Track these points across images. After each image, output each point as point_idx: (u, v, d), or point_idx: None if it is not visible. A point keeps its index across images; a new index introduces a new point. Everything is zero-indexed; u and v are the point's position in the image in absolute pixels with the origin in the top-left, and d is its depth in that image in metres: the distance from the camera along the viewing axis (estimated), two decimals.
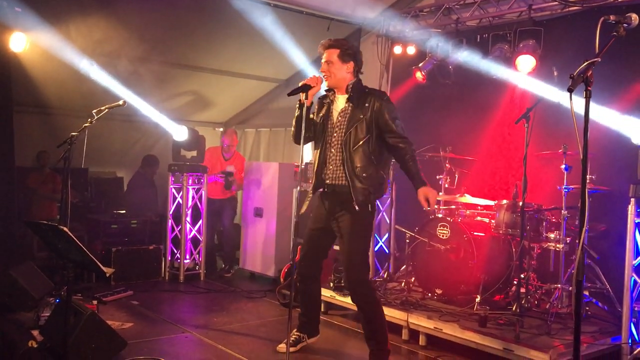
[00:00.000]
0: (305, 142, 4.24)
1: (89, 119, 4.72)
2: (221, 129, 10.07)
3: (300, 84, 4.04)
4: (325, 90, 4.27)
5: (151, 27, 6.72)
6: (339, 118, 4.13)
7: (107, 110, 4.83)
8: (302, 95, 4.01)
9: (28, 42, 6.08)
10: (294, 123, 4.14)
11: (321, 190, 4.27)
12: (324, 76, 4.13)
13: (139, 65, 7.40)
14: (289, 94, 4.07)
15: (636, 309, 4.42)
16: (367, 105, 4.03)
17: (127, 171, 9.18)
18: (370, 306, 4.13)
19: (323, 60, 4.13)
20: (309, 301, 4.54)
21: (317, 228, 4.29)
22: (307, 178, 7.15)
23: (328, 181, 4.15)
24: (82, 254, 3.17)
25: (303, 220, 4.49)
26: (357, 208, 4.00)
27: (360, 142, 4.01)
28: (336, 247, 4.91)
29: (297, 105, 4.07)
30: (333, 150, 4.12)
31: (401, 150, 4.04)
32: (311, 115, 4.26)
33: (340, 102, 4.17)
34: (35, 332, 4.39)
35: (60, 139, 4.82)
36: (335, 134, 4.14)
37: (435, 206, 5.91)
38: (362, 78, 4.29)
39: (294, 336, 4.50)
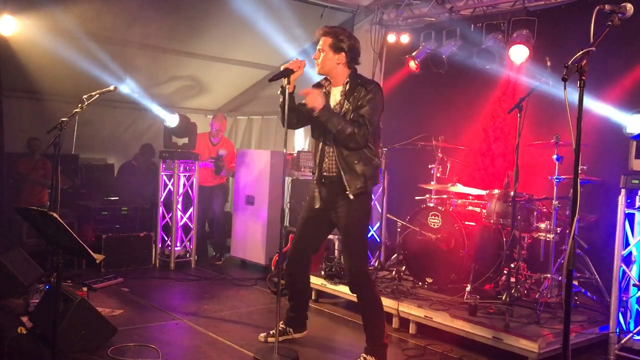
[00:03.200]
0: (294, 127, 4.20)
1: (80, 105, 4.68)
2: None
3: (281, 68, 3.93)
4: (322, 80, 4.19)
5: (142, 11, 6.65)
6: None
7: (97, 95, 4.79)
8: (284, 81, 3.91)
9: (17, 25, 6.00)
10: (280, 109, 4.06)
11: (319, 180, 4.19)
12: (317, 64, 4.06)
13: (130, 49, 7.33)
14: (270, 80, 3.99)
15: (624, 298, 4.46)
16: (355, 94, 3.96)
17: (117, 158, 9.13)
18: (369, 297, 4.10)
19: (318, 46, 4.05)
20: (297, 293, 4.51)
21: (310, 216, 4.24)
22: (298, 167, 7.16)
23: (325, 173, 4.09)
24: (72, 240, 3.15)
25: (295, 208, 4.48)
26: (351, 197, 3.95)
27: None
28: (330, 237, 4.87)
29: (279, 92, 3.98)
30: (329, 142, 4.05)
31: (354, 120, 3.87)
32: (303, 101, 4.17)
33: (335, 94, 4.10)
34: (25, 319, 4.37)
35: (50, 124, 4.77)
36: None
37: (427, 195, 5.95)
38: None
39: (279, 327, 4.45)
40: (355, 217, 4.02)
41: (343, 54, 4.00)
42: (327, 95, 4.12)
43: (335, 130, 3.84)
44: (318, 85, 4.19)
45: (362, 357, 4.04)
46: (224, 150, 7.58)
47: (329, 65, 4.01)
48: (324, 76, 4.15)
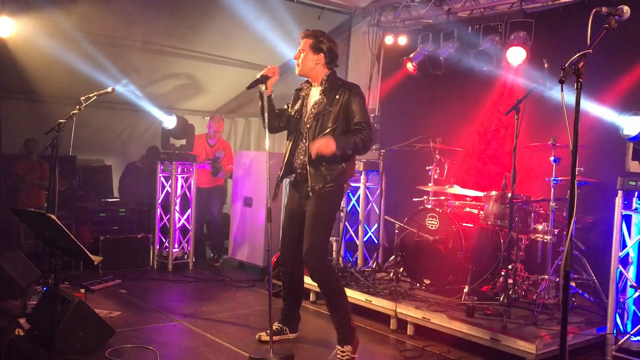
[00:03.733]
0: (276, 131, 4.39)
1: (77, 106, 4.67)
2: None
3: (258, 76, 4.16)
4: (302, 83, 4.39)
5: (140, 12, 6.65)
6: (312, 110, 4.24)
7: (95, 97, 4.78)
8: (262, 87, 4.14)
9: (15, 26, 6.00)
10: (260, 113, 4.25)
11: (292, 179, 4.41)
12: (297, 65, 4.25)
13: (128, 50, 7.33)
14: (248, 87, 4.21)
15: (621, 300, 4.47)
16: (337, 97, 4.14)
17: (115, 159, 9.12)
18: (329, 284, 4.19)
19: (298, 48, 4.26)
20: (289, 293, 4.58)
21: (291, 217, 4.40)
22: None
23: (298, 170, 4.28)
24: (69, 242, 3.15)
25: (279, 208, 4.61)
26: (310, 194, 4.12)
27: (325, 132, 4.11)
28: None
29: (258, 96, 4.20)
30: (304, 141, 4.23)
31: (356, 130, 4.08)
32: (285, 106, 4.43)
33: (314, 93, 4.29)
34: (22, 321, 4.37)
35: (48, 126, 4.75)
36: (307, 126, 4.23)
37: (425, 197, 5.96)
38: (353, 68, 4.33)
39: (275, 327, 4.54)
40: (320, 207, 4.15)
41: (322, 54, 4.22)
42: (306, 97, 4.32)
43: (351, 150, 4.08)
44: (298, 90, 4.42)
45: (337, 349, 4.12)
46: (222, 152, 7.58)
47: (309, 65, 4.23)
48: (305, 79, 4.36)
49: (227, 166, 7.64)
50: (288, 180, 4.62)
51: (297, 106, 4.35)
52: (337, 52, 4.29)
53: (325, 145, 3.97)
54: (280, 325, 4.57)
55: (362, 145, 4.05)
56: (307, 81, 4.35)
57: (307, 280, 5.63)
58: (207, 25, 7.25)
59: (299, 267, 4.50)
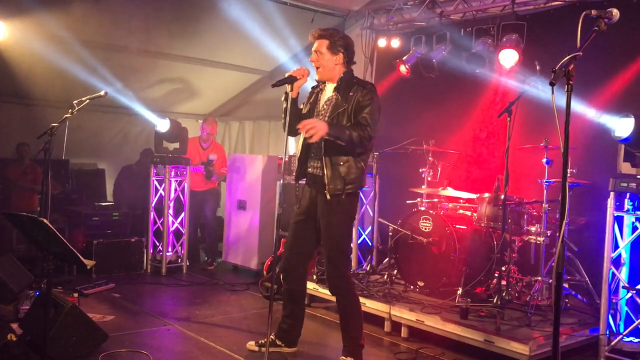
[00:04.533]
0: (296, 134, 4.12)
1: (70, 110, 4.65)
2: None
3: (286, 75, 3.97)
4: (316, 81, 4.21)
5: (133, 15, 6.64)
6: (324, 106, 4.07)
7: (88, 101, 4.76)
8: (288, 87, 3.95)
9: (7, 30, 5.98)
10: (282, 114, 4.08)
11: (305, 180, 4.20)
12: (315, 67, 4.06)
13: (121, 54, 7.32)
14: (274, 85, 3.99)
15: (614, 301, 4.49)
16: (351, 94, 3.96)
17: (108, 163, 9.10)
18: (347, 300, 4.09)
19: (313, 49, 4.05)
20: (291, 302, 4.30)
21: (300, 220, 4.20)
22: (290, 171, 7.15)
23: (310, 170, 4.10)
24: (62, 246, 3.14)
25: (286, 213, 4.45)
26: (328, 197, 3.93)
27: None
28: None
29: (283, 98, 4.01)
30: (317, 142, 4.00)
31: (357, 124, 3.89)
32: (301, 106, 4.22)
33: (328, 90, 4.12)
34: (15, 325, 4.35)
35: (40, 130, 4.74)
36: None
37: (418, 199, 5.97)
38: None
39: (269, 338, 4.33)
40: (335, 219, 3.99)
41: (341, 54, 4.03)
42: (320, 93, 4.16)
43: (345, 142, 3.85)
44: (315, 87, 4.24)
45: (341, 359, 4.07)
46: (215, 155, 7.57)
47: (329, 66, 4.03)
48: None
49: (220, 169, 7.63)
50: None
51: (310, 102, 4.19)
52: (354, 48, 4.10)
53: (317, 128, 3.75)
54: (274, 339, 4.34)
55: (358, 140, 3.83)
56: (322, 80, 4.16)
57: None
58: (201, 28, 7.25)
59: (302, 279, 4.32)
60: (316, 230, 4.14)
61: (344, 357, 4.07)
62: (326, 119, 3.98)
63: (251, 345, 4.41)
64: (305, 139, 4.05)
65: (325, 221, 4.02)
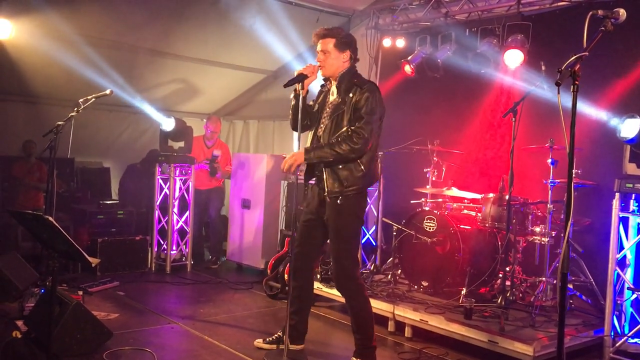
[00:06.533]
0: (304, 130, 4.11)
1: (76, 108, 4.68)
2: None
3: (295, 73, 3.97)
4: (324, 79, 4.20)
5: (138, 14, 6.65)
6: (327, 110, 4.07)
7: (93, 99, 4.78)
8: (298, 86, 3.95)
9: (13, 29, 6.00)
10: (290, 112, 4.09)
11: (314, 180, 4.17)
12: (319, 66, 4.04)
13: (126, 53, 7.33)
14: (286, 85, 3.98)
15: (619, 302, 4.47)
16: (350, 95, 3.93)
17: (113, 161, 9.12)
18: (356, 301, 4.06)
19: (319, 49, 4.03)
20: (299, 300, 4.26)
21: (308, 219, 4.18)
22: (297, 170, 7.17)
23: (317, 172, 4.07)
24: (67, 244, 3.15)
25: (291, 212, 4.44)
26: (328, 200, 3.94)
27: (341, 131, 3.91)
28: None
29: (293, 95, 4.01)
30: (320, 140, 4.04)
31: (345, 137, 3.84)
32: (310, 102, 4.21)
33: (333, 91, 4.10)
34: (20, 323, 4.36)
35: (46, 128, 4.77)
36: (322, 126, 4.07)
37: (423, 199, 5.96)
38: None
39: (275, 335, 4.44)
40: (342, 220, 3.97)
41: (348, 51, 4.03)
42: (328, 94, 4.14)
43: (332, 158, 3.85)
44: (323, 85, 4.24)
45: None
46: (219, 150, 7.59)
47: (336, 64, 4.02)
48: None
49: (225, 167, 7.64)
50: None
51: (318, 102, 4.17)
52: (357, 46, 4.12)
53: (292, 160, 3.88)
54: (280, 334, 4.37)
55: (347, 152, 3.80)
56: (326, 79, 4.16)
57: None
58: (206, 28, 7.25)
59: (309, 278, 4.32)
60: (324, 230, 4.12)
61: (354, 359, 4.06)
62: (327, 121, 4.01)
63: (259, 343, 4.43)
64: (313, 137, 4.07)
65: (333, 222, 4.00)
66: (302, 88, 3.95)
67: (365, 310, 4.07)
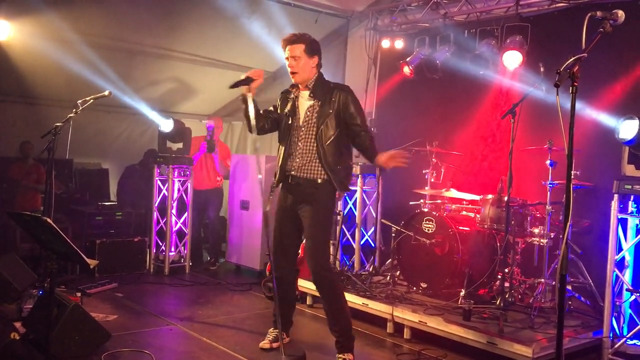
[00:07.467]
0: (263, 132, 4.34)
1: (74, 110, 4.67)
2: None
3: (242, 77, 4.09)
4: (291, 86, 4.29)
5: (137, 14, 6.64)
6: (307, 114, 4.17)
7: (92, 100, 4.78)
8: (245, 89, 4.09)
9: (12, 30, 5.99)
10: (245, 116, 4.22)
11: (284, 182, 4.28)
12: (290, 72, 4.13)
13: (125, 53, 7.32)
14: (231, 87, 4.13)
15: (618, 303, 4.47)
16: (333, 99, 4.09)
17: (112, 162, 9.10)
18: (333, 293, 4.17)
19: (287, 56, 4.13)
20: (284, 296, 4.38)
21: (282, 219, 4.30)
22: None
23: (294, 173, 4.17)
24: (65, 245, 3.14)
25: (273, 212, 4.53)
26: (319, 181, 4.10)
27: (332, 137, 4.08)
28: None
29: (241, 99, 4.17)
30: (300, 144, 4.15)
31: (362, 137, 4.14)
32: (271, 108, 4.38)
33: (305, 97, 4.20)
34: (18, 324, 4.35)
35: (44, 129, 4.76)
36: (303, 129, 4.16)
37: (421, 200, 5.96)
38: (350, 71, 4.32)
39: (273, 334, 4.49)
40: (322, 218, 4.14)
41: (316, 56, 4.15)
42: (296, 100, 4.24)
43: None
44: (287, 92, 4.34)
45: (337, 357, 4.10)
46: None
47: (307, 69, 4.14)
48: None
49: (225, 162, 7.64)
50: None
51: (287, 109, 4.27)
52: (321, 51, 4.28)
53: (391, 154, 4.10)
54: (277, 330, 4.46)
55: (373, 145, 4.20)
56: (295, 85, 4.26)
57: (305, 284, 5.66)
58: (205, 29, 7.25)
59: (289, 270, 4.42)
60: (298, 229, 4.28)
61: (340, 355, 4.11)
62: (313, 126, 4.12)
63: (265, 344, 4.46)
64: (286, 144, 4.24)
65: (310, 220, 4.14)
66: (249, 91, 4.10)
67: (343, 301, 4.23)
